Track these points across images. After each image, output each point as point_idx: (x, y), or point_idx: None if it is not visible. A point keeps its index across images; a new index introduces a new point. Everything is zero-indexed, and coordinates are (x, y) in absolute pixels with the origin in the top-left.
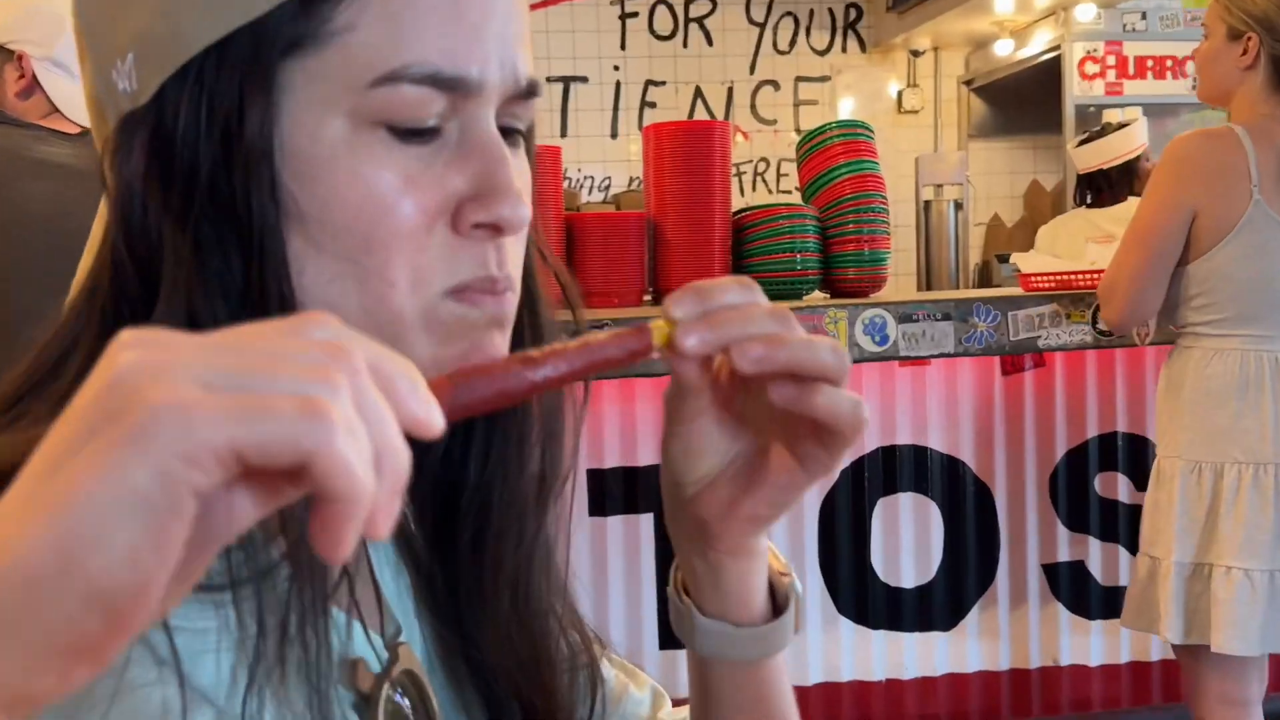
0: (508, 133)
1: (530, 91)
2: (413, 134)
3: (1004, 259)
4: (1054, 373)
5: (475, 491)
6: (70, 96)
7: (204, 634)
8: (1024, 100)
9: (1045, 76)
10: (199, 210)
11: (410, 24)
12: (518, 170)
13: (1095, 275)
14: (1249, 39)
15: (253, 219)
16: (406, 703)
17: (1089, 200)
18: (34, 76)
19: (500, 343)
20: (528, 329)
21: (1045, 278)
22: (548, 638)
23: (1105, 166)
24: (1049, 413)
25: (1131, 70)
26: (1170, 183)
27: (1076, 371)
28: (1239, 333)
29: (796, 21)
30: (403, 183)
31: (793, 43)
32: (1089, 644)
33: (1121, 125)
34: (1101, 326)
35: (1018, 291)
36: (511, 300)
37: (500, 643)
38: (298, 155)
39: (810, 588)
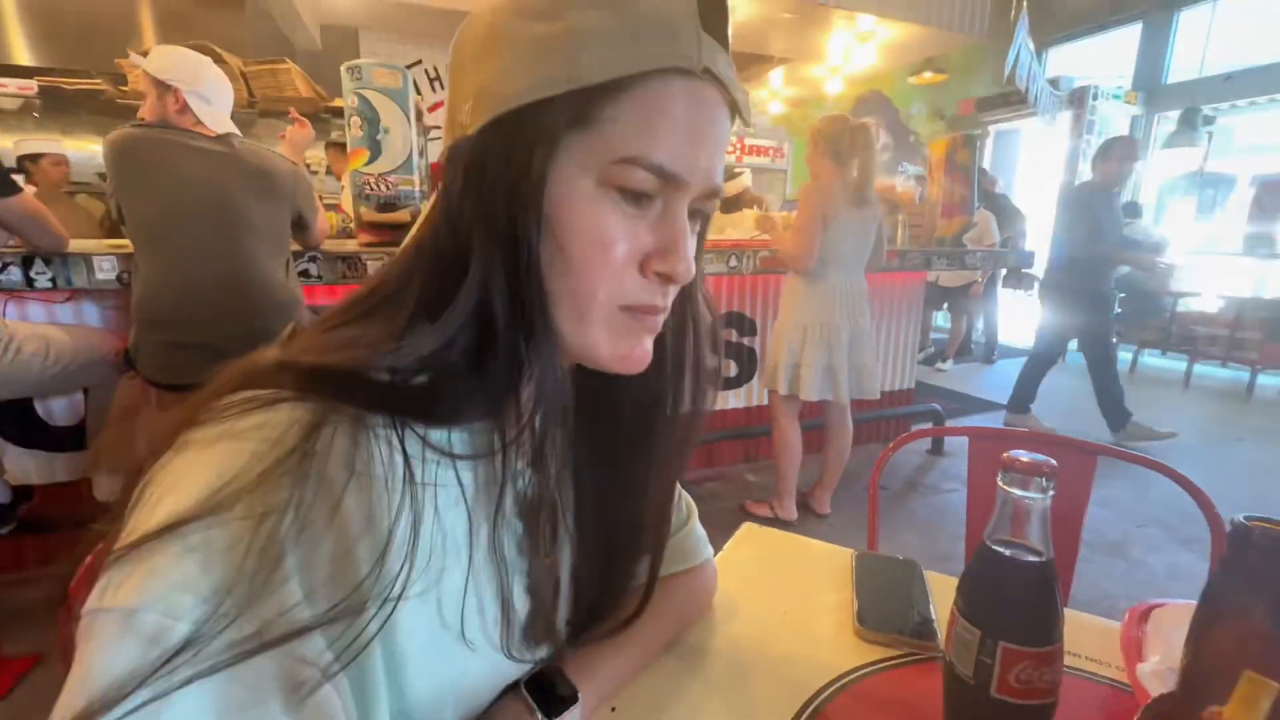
0: (694, 215)
1: (716, 193)
2: (633, 201)
3: None
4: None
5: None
6: (208, 114)
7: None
8: None
9: None
10: (489, 217)
11: (655, 129)
12: (692, 241)
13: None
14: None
15: (521, 232)
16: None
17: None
18: (185, 103)
19: (648, 344)
20: (690, 336)
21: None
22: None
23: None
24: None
25: (747, 150)
26: (817, 200)
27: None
28: (824, 270)
29: None
30: (617, 232)
31: None
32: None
33: (737, 174)
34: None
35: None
36: (663, 319)
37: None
38: (558, 197)
39: None
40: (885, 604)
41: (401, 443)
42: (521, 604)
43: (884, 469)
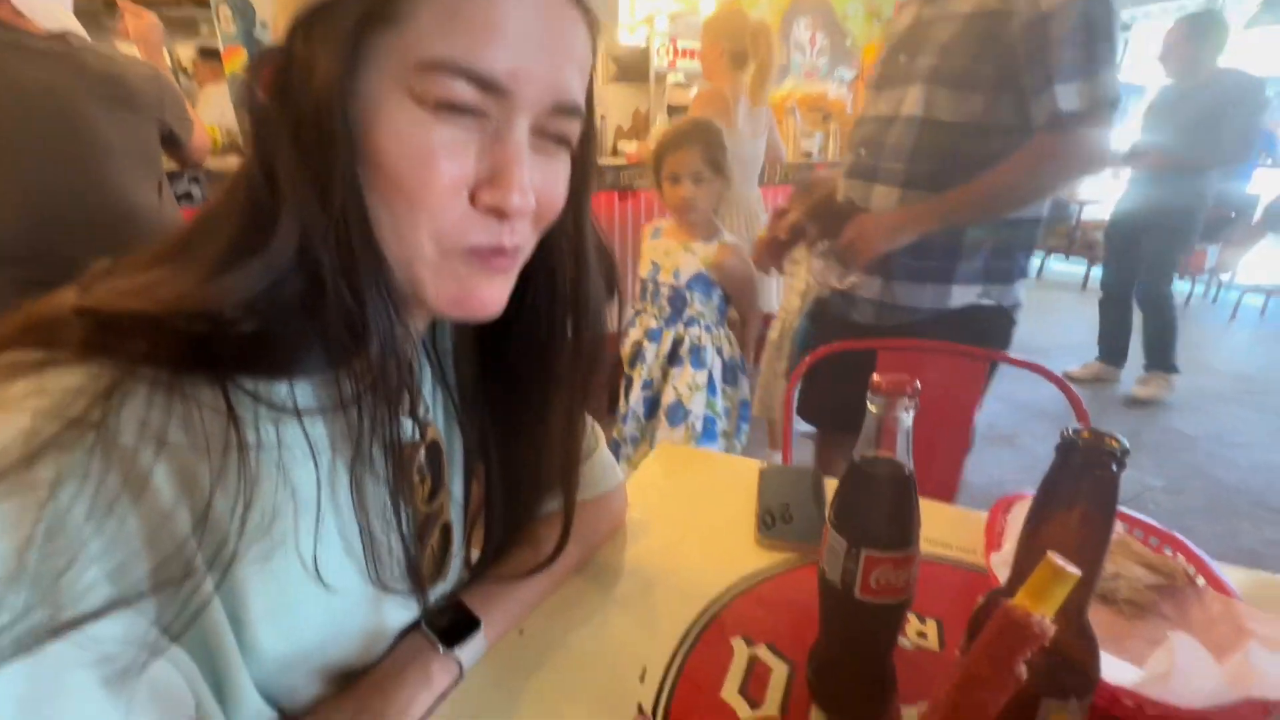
0: (554, 138)
1: (570, 111)
2: (454, 117)
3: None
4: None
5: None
6: (33, 7)
7: (297, 449)
8: (631, 66)
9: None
10: (297, 138)
11: (467, 26)
12: (546, 172)
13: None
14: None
15: (331, 155)
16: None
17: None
18: None
19: (498, 288)
20: (571, 294)
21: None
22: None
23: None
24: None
25: (680, 54)
26: (711, 111)
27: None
28: None
29: None
30: (437, 154)
31: None
32: None
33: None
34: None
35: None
36: (519, 260)
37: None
38: (368, 111)
39: None
40: (786, 512)
41: (228, 403)
42: (399, 549)
43: None
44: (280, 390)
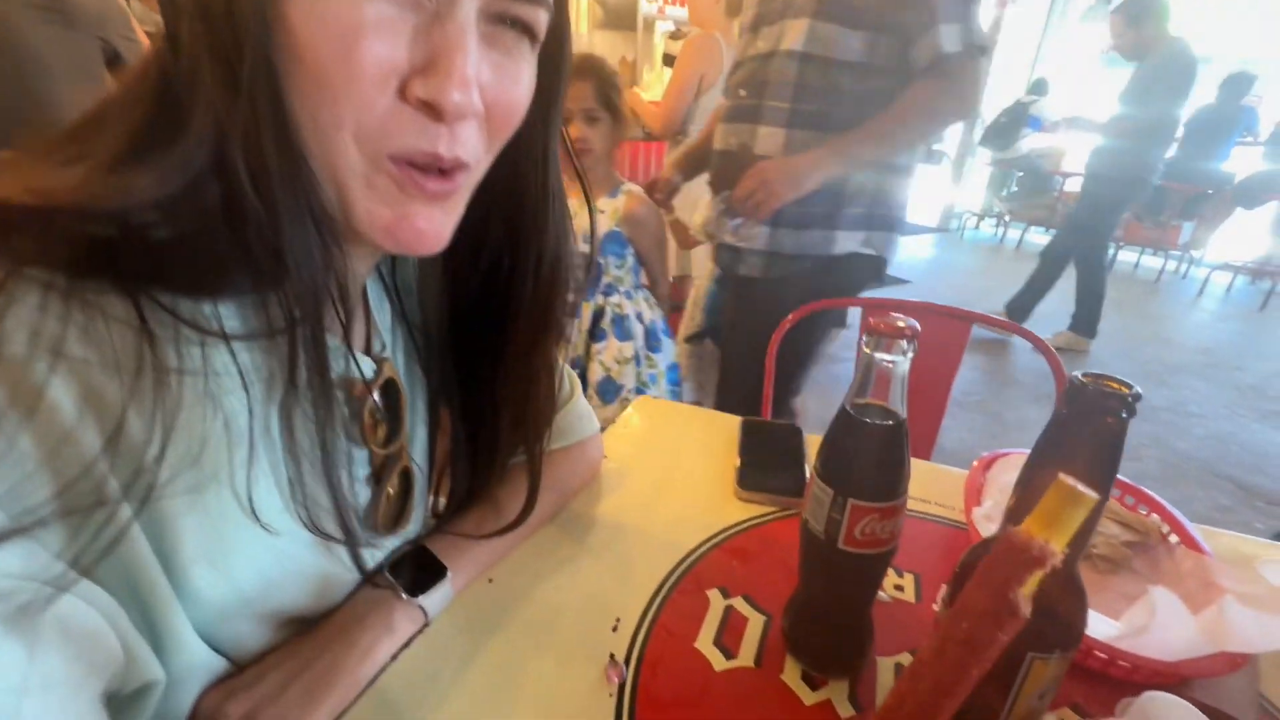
0: (510, 22)
1: None
2: None
3: None
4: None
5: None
6: None
7: (226, 377)
8: (618, 11)
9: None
10: (206, 13)
11: None
12: (501, 69)
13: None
14: None
15: (243, 31)
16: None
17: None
18: None
19: (438, 220)
20: (539, 228)
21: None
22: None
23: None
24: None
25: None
26: (701, 57)
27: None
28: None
29: None
30: (362, 32)
31: None
32: None
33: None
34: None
35: None
36: (464, 183)
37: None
38: None
39: None
40: (766, 466)
41: (141, 318)
42: (357, 493)
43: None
44: (205, 310)
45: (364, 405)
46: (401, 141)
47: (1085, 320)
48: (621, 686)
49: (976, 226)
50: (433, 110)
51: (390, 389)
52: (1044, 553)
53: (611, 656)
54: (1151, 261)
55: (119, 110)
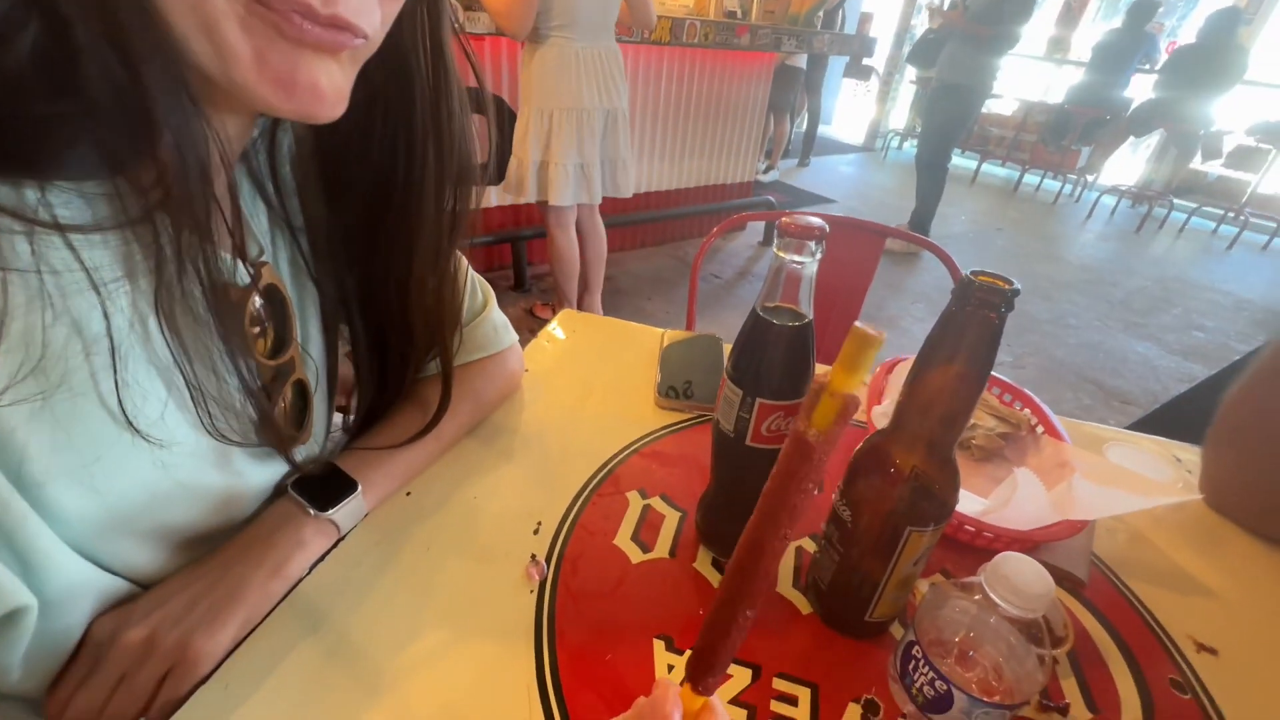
0: None
1: None
2: None
3: None
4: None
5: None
6: None
7: (68, 274)
8: None
9: None
10: None
11: None
12: None
13: None
14: None
15: None
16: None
17: None
18: None
19: (336, 75)
20: (431, 109)
21: None
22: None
23: None
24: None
25: None
26: None
27: None
28: (560, 35)
29: None
30: None
31: None
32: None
33: None
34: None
35: None
36: (350, 42)
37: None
38: None
39: None
40: (685, 375)
41: None
42: (239, 399)
43: (718, 259)
44: (28, 196)
45: (244, 312)
46: None
47: (918, 223)
48: (543, 583)
49: (899, 146)
50: None
51: (274, 295)
52: (820, 383)
53: (533, 556)
54: (1052, 184)
55: None
